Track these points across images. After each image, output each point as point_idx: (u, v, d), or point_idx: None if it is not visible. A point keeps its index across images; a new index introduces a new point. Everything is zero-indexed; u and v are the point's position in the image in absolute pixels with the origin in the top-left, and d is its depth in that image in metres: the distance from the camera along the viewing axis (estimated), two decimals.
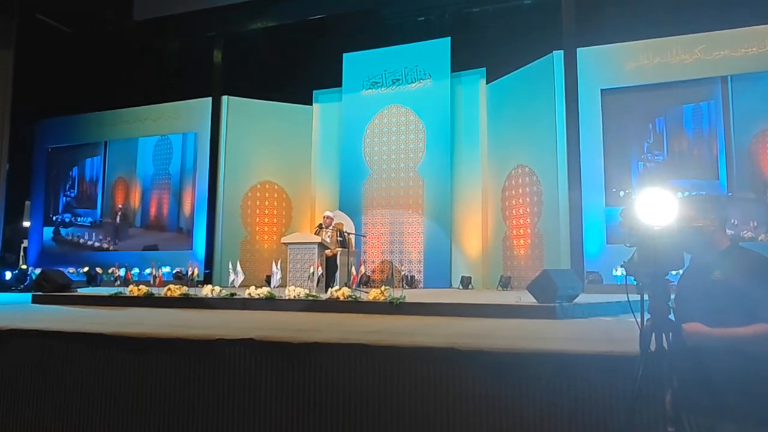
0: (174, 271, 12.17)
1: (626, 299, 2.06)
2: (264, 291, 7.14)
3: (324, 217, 9.18)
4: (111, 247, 13.94)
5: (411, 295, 6.94)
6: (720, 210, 2.13)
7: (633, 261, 2.07)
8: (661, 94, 9.91)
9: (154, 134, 13.98)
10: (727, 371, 1.88)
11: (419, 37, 12.46)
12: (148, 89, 13.67)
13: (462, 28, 12.23)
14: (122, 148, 14.19)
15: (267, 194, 13.45)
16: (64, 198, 14.65)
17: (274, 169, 13.49)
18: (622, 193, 9.73)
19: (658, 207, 2.01)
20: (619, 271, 9.14)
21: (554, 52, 10.50)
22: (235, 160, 13.18)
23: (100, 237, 14.04)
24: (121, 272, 12.00)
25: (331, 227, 8.97)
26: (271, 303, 6.91)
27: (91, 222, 14.21)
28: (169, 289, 7.63)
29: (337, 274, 8.60)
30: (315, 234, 8.82)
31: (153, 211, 13.53)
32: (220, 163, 13.07)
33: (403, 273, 11.92)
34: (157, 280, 9.42)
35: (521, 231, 11.15)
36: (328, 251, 8.67)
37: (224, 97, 13.25)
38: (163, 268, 11.30)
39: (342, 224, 9.58)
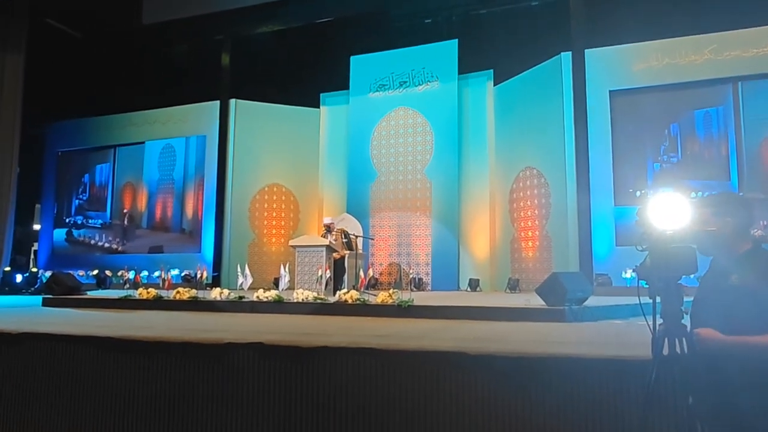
0: (183, 274, 12.22)
1: (637, 302, 2.04)
2: (272, 294, 7.15)
3: (324, 225, 9.14)
4: (120, 248, 14.26)
5: (419, 298, 6.92)
6: (736, 212, 2.00)
7: (645, 265, 2.05)
8: (672, 96, 9.85)
9: (162, 137, 14.09)
10: (744, 381, 1.79)
11: (426, 40, 12.45)
12: (157, 92, 13.75)
13: (469, 30, 12.21)
14: (130, 155, 14.50)
15: (275, 197, 13.49)
16: (77, 201, 15.03)
17: (282, 172, 13.52)
18: (638, 193, 9.72)
19: (670, 211, 1.98)
20: (629, 274, 9.09)
21: (562, 53, 10.46)
22: (243, 162, 13.23)
23: (110, 238, 14.48)
24: (131, 275, 12.06)
25: (333, 231, 8.96)
26: (279, 306, 6.92)
27: (101, 224, 14.66)
28: (177, 292, 7.65)
29: (345, 276, 8.60)
30: (323, 237, 8.82)
31: (158, 213, 13.98)
32: (228, 166, 13.13)
33: (411, 275, 11.90)
34: (166, 283, 9.45)
35: (529, 233, 11.10)
36: (335, 254, 8.67)
37: (232, 100, 13.31)
38: (171, 270, 11.35)
39: (345, 228, 9.57)
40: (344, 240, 9.00)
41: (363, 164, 12.79)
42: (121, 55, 13.81)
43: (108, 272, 13.03)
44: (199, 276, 9.49)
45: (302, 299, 6.95)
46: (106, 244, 14.44)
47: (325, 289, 7.77)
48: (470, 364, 3.15)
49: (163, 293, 7.94)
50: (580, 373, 2.95)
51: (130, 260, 13.37)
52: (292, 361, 3.52)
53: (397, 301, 6.35)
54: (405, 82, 12.71)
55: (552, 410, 2.91)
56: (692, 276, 2.01)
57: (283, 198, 13.55)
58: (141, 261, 13.29)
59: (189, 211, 13.62)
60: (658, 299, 2.02)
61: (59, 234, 15.00)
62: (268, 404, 3.50)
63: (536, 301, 6.09)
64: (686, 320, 2.01)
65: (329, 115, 13.77)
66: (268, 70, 13.30)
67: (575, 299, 5.95)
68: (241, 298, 7.33)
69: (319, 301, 6.91)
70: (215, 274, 12.46)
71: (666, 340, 1.99)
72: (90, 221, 14.73)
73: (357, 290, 7.17)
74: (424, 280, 11.91)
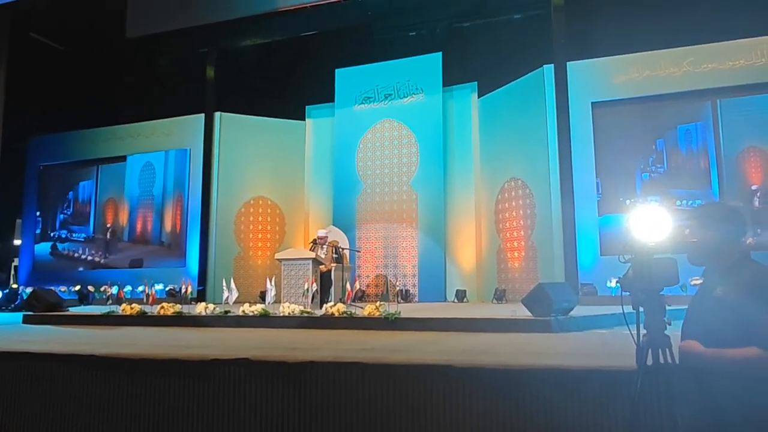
0: (167, 289, 12.04)
1: (621, 311, 2.07)
2: (258, 308, 7.09)
3: (317, 238, 9.14)
4: (102, 261, 14.29)
5: (406, 310, 6.91)
6: (719, 224, 1.95)
7: (628, 277, 2.07)
8: (653, 108, 10.08)
9: (146, 151, 14.00)
10: (729, 393, 1.77)
11: (411, 53, 12.54)
12: (141, 106, 13.65)
13: (453, 43, 12.34)
14: (113, 172, 14.56)
15: (260, 210, 13.42)
16: (61, 215, 15.08)
17: (268, 185, 13.47)
18: (627, 202, 9.90)
19: (651, 223, 2.01)
20: (614, 283, 9.18)
21: (544, 66, 10.61)
22: (228, 175, 13.16)
23: (93, 251, 14.53)
24: (114, 290, 11.86)
25: (326, 245, 8.95)
26: (265, 320, 6.86)
27: (84, 237, 14.68)
28: (162, 307, 7.56)
29: (332, 289, 8.57)
30: (310, 250, 8.79)
31: (139, 227, 14.15)
32: (213, 179, 13.05)
33: (398, 287, 11.89)
34: (150, 298, 9.29)
35: (515, 243, 11.17)
36: (322, 267, 8.64)
37: (217, 113, 13.25)
38: (155, 285, 11.20)
39: (337, 241, 9.56)
40: (334, 255, 8.97)
41: (349, 176, 12.80)
42: (105, 68, 13.71)
43: (90, 288, 12.81)
44: (183, 290, 9.38)
45: (289, 313, 6.90)
46: (89, 257, 14.48)
47: (312, 302, 7.72)
48: (457, 377, 3.15)
49: (147, 309, 7.85)
50: (567, 384, 2.96)
51: (113, 275, 13.17)
52: (279, 377, 3.49)
53: (383, 314, 6.34)
54: (390, 94, 12.79)
55: (539, 421, 2.92)
56: (676, 286, 2.04)
57: (269, 211, 13.49)
58: (124, 276, 13.09)
59: (168, 224, 13.69)
60: (641, 310, 2.04)
61: (43, 248, 14.87)
62: (256, 421, 3.46)
63: (522, 312, 6.12)
64: (669, 331, 2.03)
65: (315, 127, 13.78)
66: (253, 82, 13.30)
67: (561, 309, 6.00)
68: (226, 312, 7.26)
69: (305, 314, 6.87)
70: (200, 288, 12.32)
71: (650, 350, 2.01)
72: (74, 235, 14.79)
73: (344, 303, 7.14)
74: (411, 291, 11.90)
